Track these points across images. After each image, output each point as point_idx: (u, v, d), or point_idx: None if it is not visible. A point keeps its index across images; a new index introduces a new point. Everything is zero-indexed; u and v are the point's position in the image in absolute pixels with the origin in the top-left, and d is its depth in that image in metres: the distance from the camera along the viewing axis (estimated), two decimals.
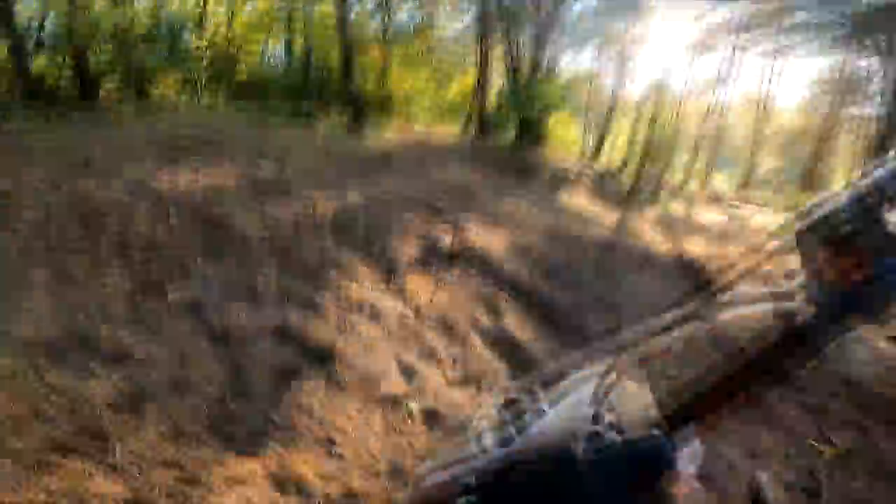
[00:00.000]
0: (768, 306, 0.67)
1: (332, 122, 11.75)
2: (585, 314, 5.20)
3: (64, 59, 14.32)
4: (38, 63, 14.88)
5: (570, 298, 5.41)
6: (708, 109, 21.71)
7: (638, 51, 20.45)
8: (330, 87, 14.49)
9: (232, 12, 20.27)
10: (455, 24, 24.43)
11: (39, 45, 15.02)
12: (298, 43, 19.33)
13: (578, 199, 9.61)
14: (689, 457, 0.78)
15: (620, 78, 19.80)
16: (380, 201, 6.10)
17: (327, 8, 19.76)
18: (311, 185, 6.40)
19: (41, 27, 14.74)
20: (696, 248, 8.17)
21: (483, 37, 12.67)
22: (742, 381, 0.68)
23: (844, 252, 0.59)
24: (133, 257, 4.23)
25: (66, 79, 14.60)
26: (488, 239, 6.69)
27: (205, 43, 19.66)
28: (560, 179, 10.02)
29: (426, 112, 18.27)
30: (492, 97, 13.57)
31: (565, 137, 15.34)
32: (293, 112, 12.95)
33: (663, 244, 8.21)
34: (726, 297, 0.74)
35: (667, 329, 0.72)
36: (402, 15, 23.20)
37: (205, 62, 19.06)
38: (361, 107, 11.34)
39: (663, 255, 7.39)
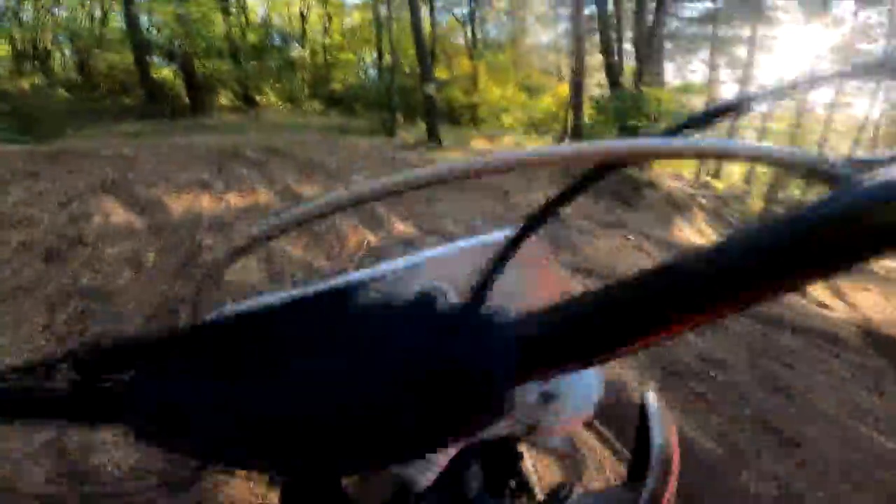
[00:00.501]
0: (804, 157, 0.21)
1: (415, 133, 10.89)
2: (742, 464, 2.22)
3: (178, 70, 14.88)
4: (160, 72, 15.66)
5: (711, 432, 2.46)
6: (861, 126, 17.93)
7: (761, 57, 17.47)
8: (413, 97, 13.82)
9: (328, 26, 20.55)
10: (548, 32, 23.01)
11: (160, 55, 15.74)
12: (388, 53, 19.04)
13: (697, 231, 7.47)
14: (582, 386, 0.34)
15: (742, 87, 17.09)
16: (429, 233, 4.52)
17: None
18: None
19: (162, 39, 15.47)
20: (874, 306, 5.32)
21: (579, 45, 11.11)
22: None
23: None
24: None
25: (179, 87, 15.21)
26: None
27: (306, 55, 20.09)
28: (672, 204, 7.90)
29: (516, 123, 17.07)
30: (589, 108, 11.94)
31: None
32: (379, 122, 12.39)
33: (830, 302, 5.25)
34: None
35: None
36: (491, 25, 22.30)
37: (305, 73, 19.44)
38: (435, 117, 10.29)
39: (838, 323, 4.09)
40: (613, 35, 12.57)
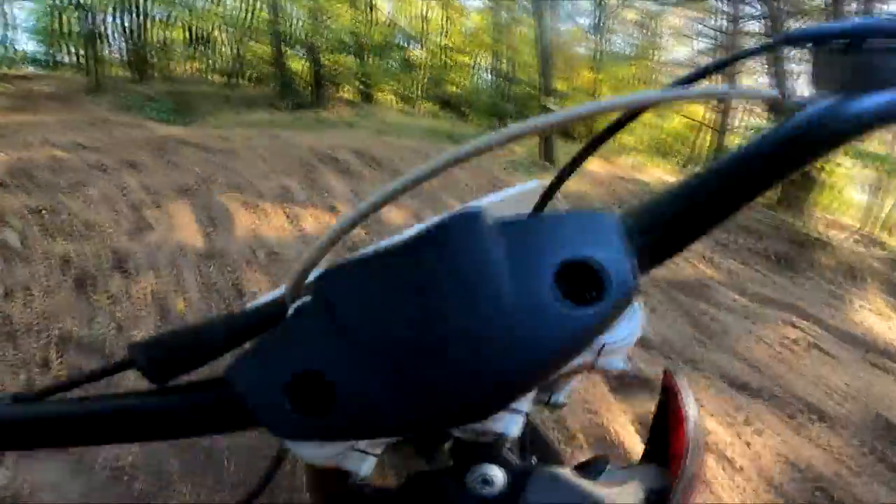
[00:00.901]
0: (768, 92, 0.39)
1: (527, 147, 9.77)
2: None
3: (308, 62, 15.27)
4: (294, 65, 16.17)
5: None
6: None
7: None
8: (529, 106, 12.68)
9: (448, 28, 20.04)
10: (683, 47, 20.39)
11: (294, 46, 16.29)
12: (506, 59, 18.09)
13: (877, 313, 5.17)
14: (631, 311, 0.30)
15: None
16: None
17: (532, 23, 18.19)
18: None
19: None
20: None
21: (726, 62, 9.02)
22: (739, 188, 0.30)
23: None
24: None
25: (307, 79, 15.61)
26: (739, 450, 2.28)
27: (424, 55, 19.83)
28: (845, 269, 5.81)
29: (639, 144, 15.14)
30: (733, 136, 9.91)
31: (842, 198, 10.27)
32: (490, 129, 11.34)
33: None
34: None
35: None
36: (618, 37, 20.22)
37: (422, 74, 19.17)
38: (552, 135, 9.04)
39: None
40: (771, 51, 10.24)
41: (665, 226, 0.30)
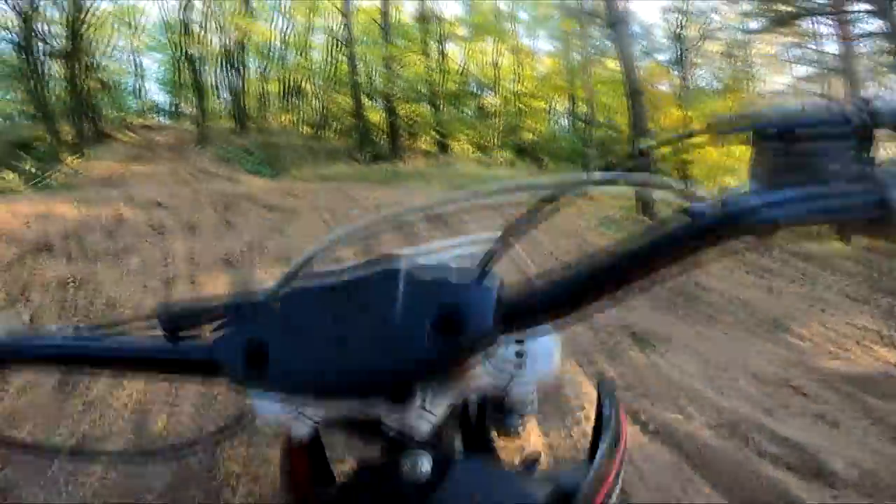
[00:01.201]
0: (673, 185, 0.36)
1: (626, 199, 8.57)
2: None
3: (384, 113, 15.34)
4: (372, 116, 16.39)
5: None
6: None
7: None
8: (616, 149, 11.42)
9: (520, 72, 19.56)
10: (780, 76, 18.15)
11: (372, 97, 16.51)
12: (582, 102, 17.15)
13: None
14: (545, 350, 0.43)
15: None
16: None
17: (612, 64, 17.07)
18: None
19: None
20: None
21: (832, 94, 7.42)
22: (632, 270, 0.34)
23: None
24: None
25: (384, 131, 15.65)
26: None
27: (498, 102, 19.45)
28: None
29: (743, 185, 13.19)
30: None
31: None
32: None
33: None
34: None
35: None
36: (704, 70, 18.47)
37: (497, 121, 18.73)
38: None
39: None
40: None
41: (536, 300, 0.34)
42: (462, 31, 19.81)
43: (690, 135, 0.36)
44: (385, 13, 14.82)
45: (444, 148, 15.76)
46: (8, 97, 15.44)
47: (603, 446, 0.45)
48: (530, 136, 18.13)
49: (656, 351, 2.90)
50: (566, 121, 20.55)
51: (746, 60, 18.26)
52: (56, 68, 12.45)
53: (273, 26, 17.42)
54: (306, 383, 0.33)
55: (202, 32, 14.50)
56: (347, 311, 0.33)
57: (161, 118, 21.31)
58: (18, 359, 0.41)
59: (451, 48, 19.35)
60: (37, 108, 12.05)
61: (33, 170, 11.39)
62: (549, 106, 20.80)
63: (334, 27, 16.83)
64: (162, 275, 3.38)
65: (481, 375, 0.41)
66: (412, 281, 0.34)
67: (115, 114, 15.35)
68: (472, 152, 17.01)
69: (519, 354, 0.42)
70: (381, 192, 6.97)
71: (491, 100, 20.28)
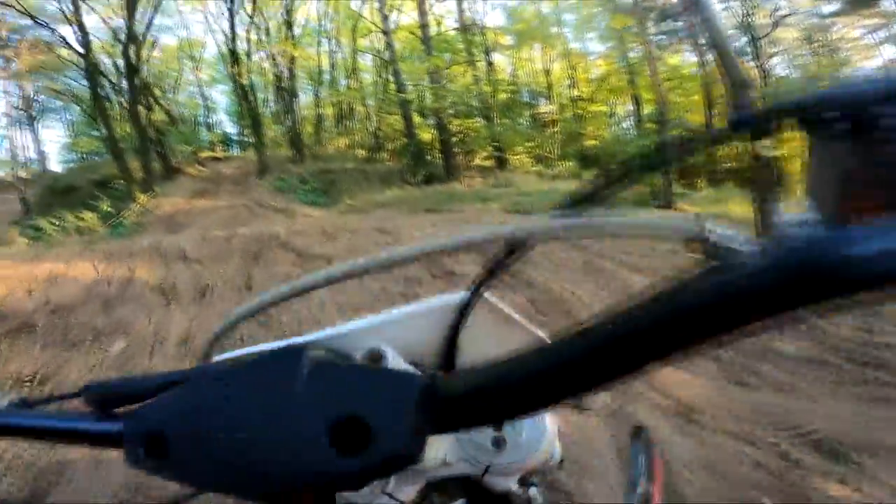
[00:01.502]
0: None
1: (702, 204, 7.04)
2: None
3: (435, 131, 14.51)
4: (424, 134, 15.72)
5: None
6: None
7: None
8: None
9: (574, 77, 18.07)
10: (872, 60, 15.31)
11: (422, 116, 15.79)
12: (647, 102, 15.38)
13: None
14: (534, 433, 0.38)
15: None
16: None
17: (673, 60, 15.25)
18: None
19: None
20: None
21: None
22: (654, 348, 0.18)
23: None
24: None
25: (437, 150, 14.81)
26: None
27: (554, 109, 18.09)
28: None
29: None
30: None
31: None
32: (648, 185, 8.64)
33: None
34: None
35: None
36: (782, 60, 15.99)
37: (555, 130, 17.36)
38: (772, 195, 6.04)
39: None
40: None
41: (474, 397, 0.25)
42: (506, 39, 18.88)
43: (726, 135, 0.26)
44: (424, 26, 14.04)
45: (501, 163, 14.59)
46: (94, 134, 16.50)
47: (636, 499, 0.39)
48: (593, 142, 16.50)
49: None
50: (629, 123, 18.91)
51: (828, 45, 15.65)
52: (124, 105, 12.88)
53: (318, 50, 17.40)
54: (205, 480, 0.30)
55: (251, 62, 14.57)
56: (249, 405, 0.29)
57: (232, 149, 22.25)
58: None
59: (497, 58, 18.60)
60: (109, 146, 12.47)
61: (109, 209, 11.75)
62: (610, 110, 19.21)
63: (379, 46, 16.53)
64: (140, 366, 2.66)
65: (453, 460, 0.37)
66: (313, 377, 0.28)
67: (185, 148, 15.89)
68: (532, 165, 15.72)
69: (497, 442, 0.37)
70: (433, 220, 6.00)
71: (546, 108, 19.00)
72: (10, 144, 17.84)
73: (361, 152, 16.90)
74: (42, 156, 18.13)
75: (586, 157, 15.34)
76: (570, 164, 15.12)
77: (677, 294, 0.18)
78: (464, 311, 0.36)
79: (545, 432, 0.37)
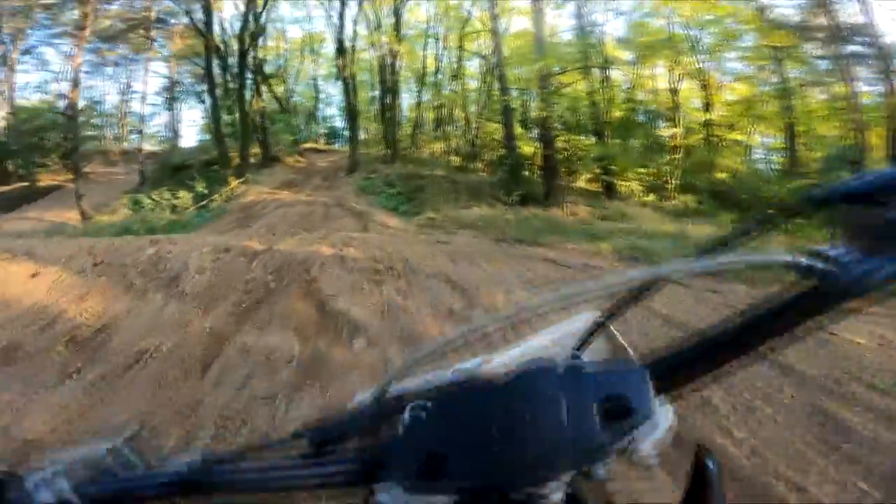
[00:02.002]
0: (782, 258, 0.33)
1: None
2: None
3: (538, 144, 12.47)
4: (525, 147, 13.87)
5: None
6: None
7: None
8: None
9: (710, 99, 14.73)
10: None
11: (525, 127, 13.77)
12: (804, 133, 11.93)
13: None
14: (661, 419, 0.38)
15: None
16: None
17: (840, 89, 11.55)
18: None
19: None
20: None
21: None
22: (744, 341, 0.36)
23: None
24: None
25: (535, 162, 12.77)
26: None
27: (678, 133, 14.96)
28: None
29: None
30: None
31: None
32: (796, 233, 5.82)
33: None
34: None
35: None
36: None
37: (674, 157, 14.29)
38: None
39: None
40: None
41: (672, 369, 0.36)
42: (624, 54, 16.24)
43: (793, 211, 0.36)
44: (537, 29, 12.05)
45: (609, 189, 12.07)
46: (226, 118, 16.94)
47: None
48: (722, 175, 13.24)
49: None
50: (763, 155, 15.28)
51: None
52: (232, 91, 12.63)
53: (424, 53, 16.21)
54: (489, 478, 0.33)
55: (356, 55, 13.66)
56: (513, 411, 0.33)
57: (338, 142, 22.22)
58: (146, 495, 0.38)
59: (613, 74, 16.03)
60: (213, 130, 12.29)
61: (204, 190, 11.51)
62: (747, 139, 15.64)
63: (486, 51, 14.91)
64: None
65: None
66: (574, 376, 0.34)
67: (287, 137, 15.65)
68: (643, 194, 12.95)
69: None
70: (529, 266, 4.10)
71: (668, 130, 15.90)
72: (155, 121, 19.30)
73: (456, 159, 15.43)
74: (175, 134, 19.36)
75: (715, 193, 12.22)
76: (691, 198, 12.20)
77: (783, 297, 0.32)
78: (592, 334, 0.44)
79: (668, 414, 0.39)
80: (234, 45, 12.81)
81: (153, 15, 11.80)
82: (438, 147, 16.81)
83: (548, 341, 0.46)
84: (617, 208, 10.00)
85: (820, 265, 0.30)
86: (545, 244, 6.21)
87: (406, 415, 0.34)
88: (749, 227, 0.37)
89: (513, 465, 0.31)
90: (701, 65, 15.71)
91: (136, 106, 16.22)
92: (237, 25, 12.82)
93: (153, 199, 11.00)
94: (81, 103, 16.40)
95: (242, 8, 11.03)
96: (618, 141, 13.94)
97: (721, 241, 0.37)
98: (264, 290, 3.07)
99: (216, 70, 12.86)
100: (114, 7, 11.86)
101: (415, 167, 13.34)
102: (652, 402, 0.34)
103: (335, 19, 12.83)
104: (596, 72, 14.38)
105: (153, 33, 12.46)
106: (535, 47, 12.49)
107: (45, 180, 12.64)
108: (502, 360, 0.41)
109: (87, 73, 16.56)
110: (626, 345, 0.45)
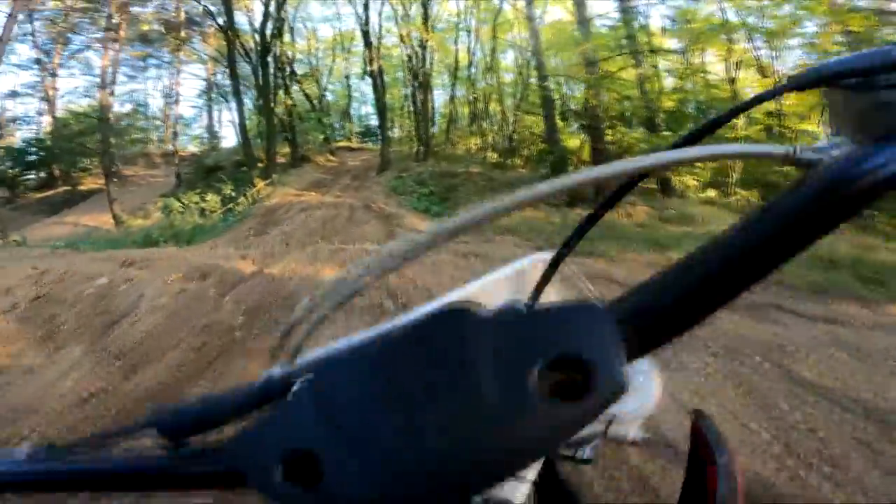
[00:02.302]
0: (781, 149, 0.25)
1: None
2: None
3: (584, 136, 11.09)
4: (570, 141, 12.64)
5: None
6: None
7: None
8: None
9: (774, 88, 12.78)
10: None
11: (565, 119, 12.37)
12: None
13: None
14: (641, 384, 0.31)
15: None
16: None
17: None
18: None
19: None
20: None
21: None
22: (742, 267, 0.23)
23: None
24: None
25: (581, 157, 11.41)
26: None
27: (739, 124, 13.12)
28: None
29: None
30: None
31: None
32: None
33: None
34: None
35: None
36: None
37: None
38: None
39: None
40: None
41: (655, 315, 0.24)
42: (670, 42, 14.67)
43: (771, 94, 0.29)
44: (578, 9, 10.70)
45: (664, 185, 10.53)
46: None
47: (717, 494, 0.29)
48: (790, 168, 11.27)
49: None
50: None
51: None
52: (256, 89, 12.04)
53: (456, 46, 15.05)
54: (374, 497, 0.22)
55: (382, 46, 12.71)
56: (415, 384, 0.22)
57: (371, 140, 21.62)
58: None
59: (661, 63, 14.41)
60: (239, 130, 11.73)
61: (231, 192, 10.97)
62: (818, 129, 13.49)
63: (521, 41, 13.61)
64: None
65: None
66: (500, 328, 0.23)
67: (318, 136, 15.01)
68: (700, 190, 11.39)
69: None
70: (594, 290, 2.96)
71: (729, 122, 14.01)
72: (199, 123, 19.34)
73: (492, 155, 14.30)
74: (213, 135, 19.33)
75: (780, 187, 10.39)
76: (754, 193, 10.60)
77: (789, 201, 0.22)
78: (552, 269, 0.34)
79: (654, 376, 0.31)
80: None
81: (182, 16, 11.43)
82: (473, 143, 15.72)
83: (487, 287, 0.33)
84: (678, 208, 8.53)
85: (813, 156, 0.24)
86: (603, 255, 5.01)
87: (288, 397, 0.24)
88: (722, 117, 0.29)
89: (407, 467, 0.21)
90: (758, 52, 13.97)
91: (175, 108, 16.20)
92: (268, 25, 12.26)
93: (182, 203, 10.55)
94: (127, 107, 16.53)
95: (262, 4, 10.35)
96: (669, 133, 12.54)
97: (695, 133, 0.29)
98: (224, 342, 2.15)
99: (248, 70, 12.38)
100: (145, 10, 11.59)
101: (448, 165, 12.39)
102: (623, 363, 0.22)
103: (360, 10, 11.92)
104: (643, 59, 12.95)
105: (183, 34, 12.09)
106: (579, 30, 11.15)
107: (87, 184, 12.70)
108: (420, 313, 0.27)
109: (130, 76, 16.76)
110: (591, 289, 0.34)
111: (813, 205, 0.22)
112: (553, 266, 0.36)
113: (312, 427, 0.22)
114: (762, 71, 14.46)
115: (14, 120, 13.52)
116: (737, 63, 14.97)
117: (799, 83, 0.25)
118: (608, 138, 11.77)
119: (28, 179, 13.27)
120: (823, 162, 0.24)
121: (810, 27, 12.18)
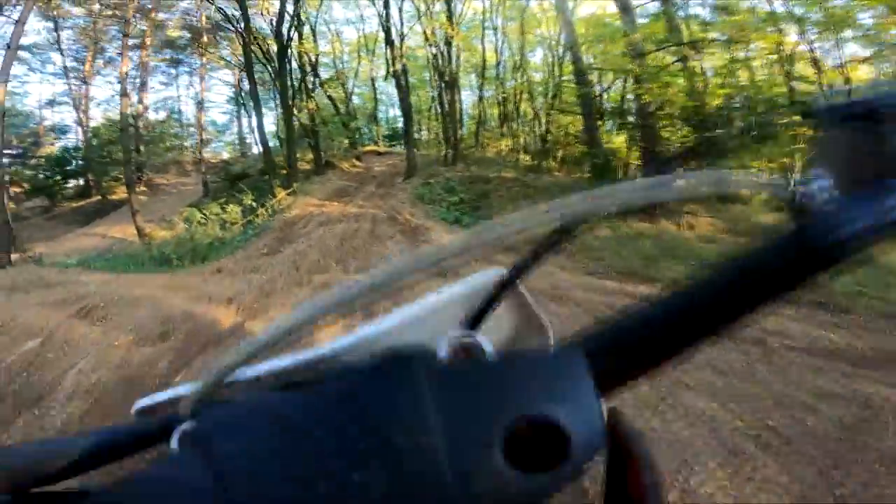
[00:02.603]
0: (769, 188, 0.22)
1: None
2: None
3: (635, 136, 9.85)
4: (611, 141, 11.41)
5: None
6: None
7: None
8: None
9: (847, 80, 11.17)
10: None
11: (602, 118, 11.10)
12: None
13: None
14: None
15: None
16: None
17: None
18: None
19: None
20: None
21: None
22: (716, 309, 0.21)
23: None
24: None
25: (627, 162, 10.16)
26: None
27: (797, 120, 11.48)
28: None
29: None
30: None
31: None
32: None
33: None
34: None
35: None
36: None
37: (800, 147, 10.94)
38: None
39: None
40: None
41: (620, 355, 0.22)
42: (712, 34, 13.09)
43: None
44: None
45: None
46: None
47: (642, 487, 0.25)
48: None
49: None
50: None
51: None
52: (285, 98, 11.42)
53: (483, 46, 13.98)
54: None
55: (405, 53, 11.80)
56: (340, 454, 0.17)
57: (398, 143, 20.91)
58: None
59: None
60: (259, 137, 11.11)
61: (252, 202, 10.38)
62: None
63: (551, 39, 12.41)
64: None
65: None
66: (454, 382, 0.19)
67: (343, 141, 14.35)
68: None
69: None
70: None
71: (783, 118, 12.44)
72: (232, 130, 19.16)
73: (525, 158, 13.18)
74: (242, 141, 19.12)
75: None
76: None
77: (764, 253, 0.20)
78: (493, 300, 0.30)
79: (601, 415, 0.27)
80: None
81: (205, 21, 11.02)
82: (504, 145, 14.66)
83: (428, 311, 0.30)
84: (743, 217, 7.19)
85: (805, 197, 0.20)
86: (662, 279, 3.89)
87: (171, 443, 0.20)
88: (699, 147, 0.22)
89: None
90: (811, 46, 12.30)
91: (205, 115, 16.00)
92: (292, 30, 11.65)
93: (204, 214, 9.98)
94: (162, 114, 16.42)
95: (278, 5, 9.66)
96: (722, 131, 11.12)
97: (664, 162, 0.20)
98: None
99: (266, 75, 11.81)
100: (171, 16, 11.24)
101: (479, 169, 11.39)
102: (603, 425, 0.19)
103: (381, 7, 11.06)
104: (695, 51, 11.56)
105: (206, 38, 11.68)
106: (622, 19, 9.92)
107: (119, 194, 12.58)
108: (350, 343, 0.25)
109: (164, 84, 16.70)
110: (542, 315, 0.31)
111: (803, 253, 0.19)
112: (502, 287, 0.30)
113: (195, 489, 0.17)
114: (816, 64, 12.85)
115: (53, 129, 13.69)
116: (787, 57, 13.43)
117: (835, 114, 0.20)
118: (665, 136, 10.54)
119: (66, 188, 13.34)
120: (815, 206, 0.20)
121: (865, 19, 10.59)
